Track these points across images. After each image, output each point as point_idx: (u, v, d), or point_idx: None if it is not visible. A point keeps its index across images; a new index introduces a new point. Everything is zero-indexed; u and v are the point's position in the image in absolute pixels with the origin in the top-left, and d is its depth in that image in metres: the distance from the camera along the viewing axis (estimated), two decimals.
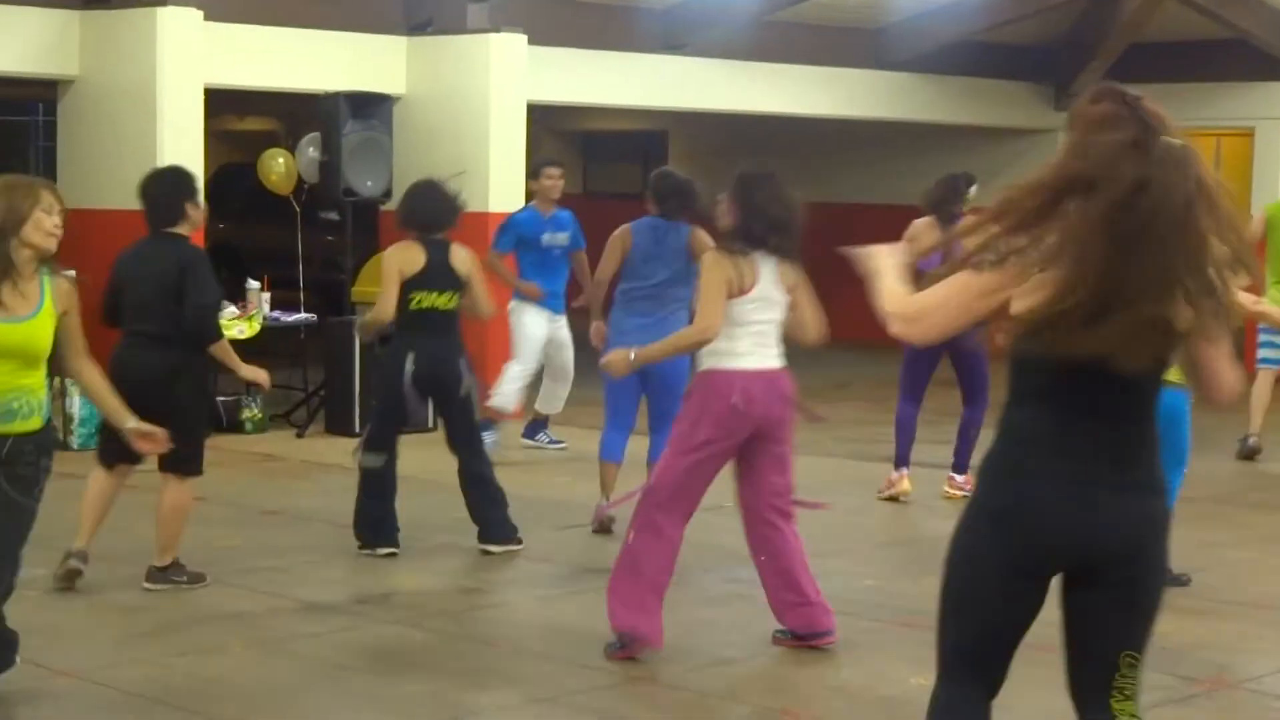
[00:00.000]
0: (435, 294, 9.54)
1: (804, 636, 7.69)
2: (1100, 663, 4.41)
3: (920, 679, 7.06)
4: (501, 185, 14.63)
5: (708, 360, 7.46)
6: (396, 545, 9.57)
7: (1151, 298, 4.08)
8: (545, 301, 12.47)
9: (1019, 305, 4.16)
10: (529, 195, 12.82)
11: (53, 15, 13.36)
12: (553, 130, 23.21)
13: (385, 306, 9.51)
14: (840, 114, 18.65)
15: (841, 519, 10.66)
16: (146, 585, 8.68)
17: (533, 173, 12.68)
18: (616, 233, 9.88)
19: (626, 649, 7.48)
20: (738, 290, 7.36)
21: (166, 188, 8.79)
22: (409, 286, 9.51)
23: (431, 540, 9.81)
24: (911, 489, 11.19)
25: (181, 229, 8.71)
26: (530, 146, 15.36)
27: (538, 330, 12.46)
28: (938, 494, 11.33)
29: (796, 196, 7.62)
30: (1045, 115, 19.99)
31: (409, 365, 9.45)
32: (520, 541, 9.73)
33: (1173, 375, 8.61)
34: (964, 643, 4.39)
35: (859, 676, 7.38)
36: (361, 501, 9.61)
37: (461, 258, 9.68)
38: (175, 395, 8.54)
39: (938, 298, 4.24)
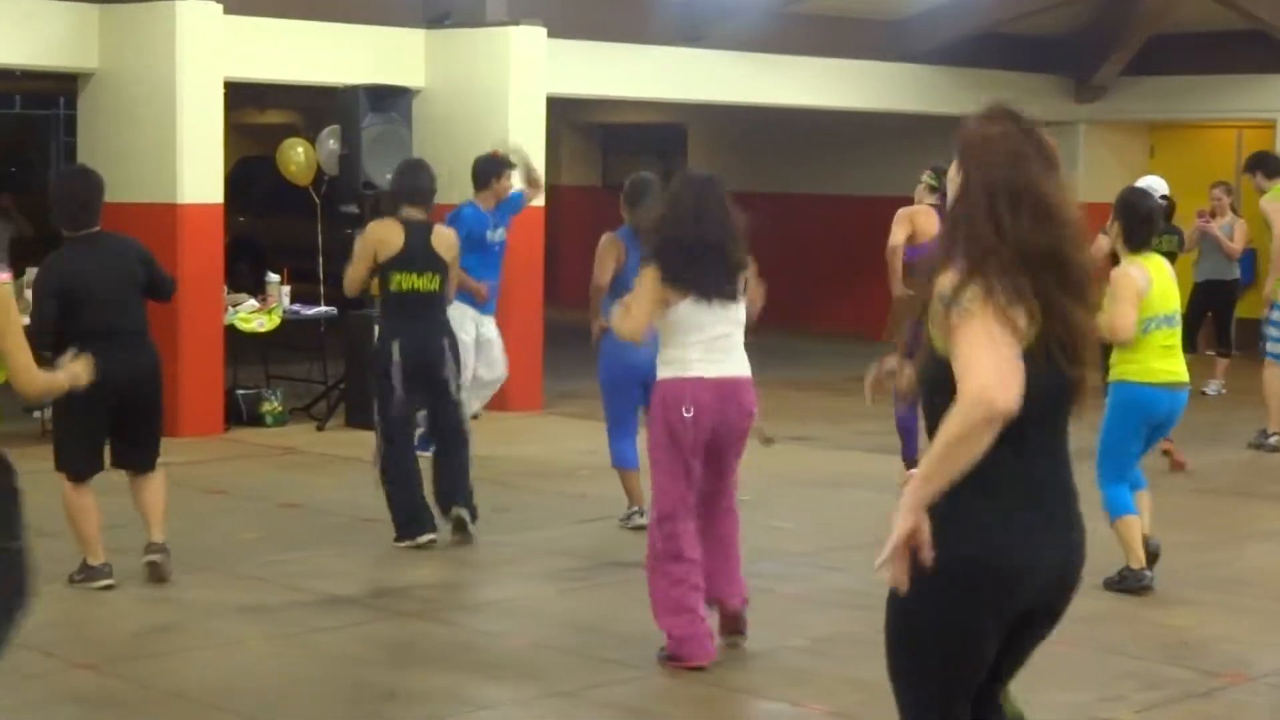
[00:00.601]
0: (415, 275, 9.54)
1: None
2: (1003, 676, 4.39)
3: None
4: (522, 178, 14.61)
5: (661, 370, 7.39)
6: (433, 531, 9.55)
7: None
8: (479, 304, 12.05)
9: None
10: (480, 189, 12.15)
11: (72, 9, 13.37)
12: (572, 123, 23.22)
13: (350, 281, 9.69)
14: (859, 106, 18.60)
15: (860, 513, 10.66)
16: (152, 559, 8.64)
17: (498, 173, 12.07)
18: (607, 240, 9.66)
19: (676, 659, 7.40)
20: (674, 298, 7.25)
21: (91, 188, 8.64)
22: (388, 267, 9.54)
23: (450, 534, 9.78)
24: None
25: (99, 227, 8.61)
26: (550, 139, 15.36)
27: (466, 337, 11.76)
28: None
29: (724, 210, 7.35)
30: (1066, 107, 19.95)
31: (395, 354, 9.47)
32: (475, 519, 9.73)
33: (1182, 375, 8.62)
34: (943, 701, 4.24)
35: (878, 671, 7.27)
36: (390, 497, 9.61)
37: (444, 241, 9.71)
38: (160, 388, 8.63)
39: (991, 357, 3.97)
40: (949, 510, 4.07)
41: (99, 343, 8.24)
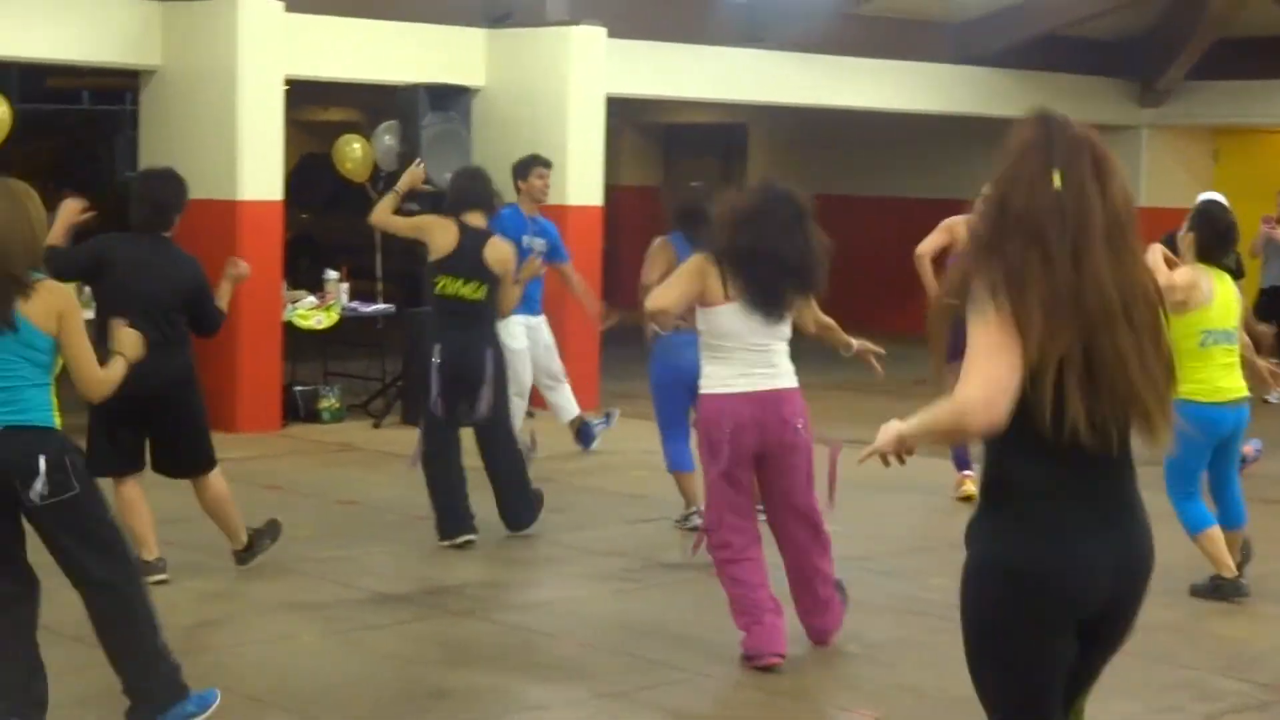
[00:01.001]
0: (460, 282, 9.49)
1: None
2: (1075, 688, 4.29)
3: None
4: (580, 178, 14.63)
5: (702, 384, 7.39)
6: (473, 531, 9.53)
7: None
8: (520, 307, 11.11)
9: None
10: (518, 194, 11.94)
11: (136, 6, 13.45)
12: (634, 123, 23.20)
13: (379, 210, 9.93)
14: (921, 109, 18.55)
15: (913, 518, 10.64)
16: (244, 567, 8.81)
17: (523, 172, 11.95)
18: (658, 243, 9.51)
19: (747, 657, 7.40)
20: (718, 298, 7.24)
21: (167, 190, 8.60)
22: (435, 269, 9.53)
23: (503, 532, 9.78)
24: (975, 492, 11.09)
25: (170, 233, 8.56)
26: (610, 139, 15.36)
27: (518, 343, 11.48)
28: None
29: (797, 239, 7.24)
30: (1130, 111, 19.82)
31: (435, 356, 9.47)
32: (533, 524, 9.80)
33: (1244, 390, 8.50)
34: (1015, 706, 4.17)
35: (930, 677, 7.32)
36: (432, 496, 9.62)
37: (498, 253, 9.59)
38: (197, 396, 8.58)
39: (985, 372, 3.94)
40: (996, 514, 4.09)
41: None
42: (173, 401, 8.42)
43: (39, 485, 5.86)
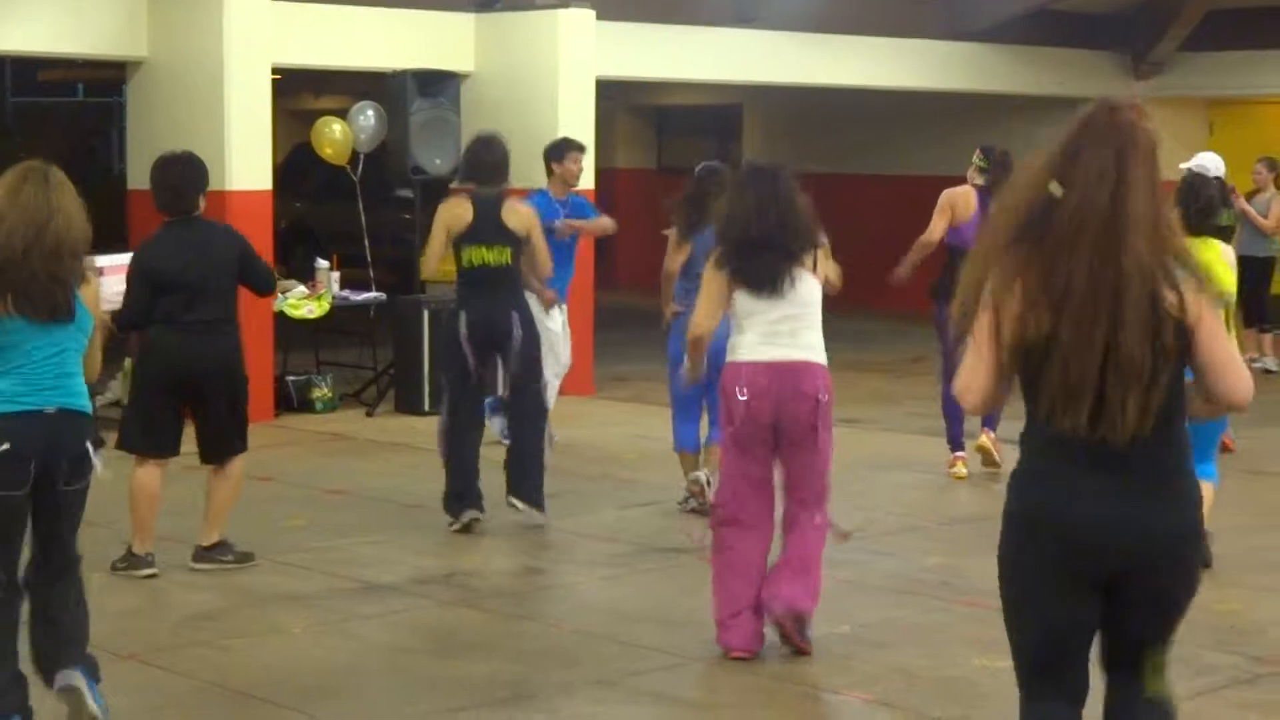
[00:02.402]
0: (484, 248, 9.48)
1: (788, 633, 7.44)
2: (1125, 651, 4.44)
3: (983, 660, 6.99)
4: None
5: (727, 354, 7.40)
6: (479, 510, 9.52)
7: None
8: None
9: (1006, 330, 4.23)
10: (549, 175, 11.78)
11: None
12: (627, 105, 23.15)
13: (427, 262, 9.73)
14: (916, 86, 18.45)
15: (907, 496, 10.59)
16: (195, 566, 8.66)
17: (557, 154, 11.78)
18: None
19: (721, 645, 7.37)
20: (737, 288, 7.31)
21: (184, 174, 8.63)
22: (459, 242, 9.52)
23: (496, 519, 9.75)
24: (967, 472, 11.04)
25: (198, 212, 8.59)
26: (600, 122, 15.30)
27: (553, 323, 11.33)
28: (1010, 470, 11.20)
29: (784, 198, 7.30)
30: (1123, 84, 19.73)
31: (462, 326, 9.44)
32: (545, 512, 9.65)
33: None
34: (1030, 655, 4.38)
35: (922, 658, 7.29)
36: (447, 471, 9.59)
37: (517, 214, 9.61)
38: (243, 376, 8.58)
39: (967, 364, 4.33)
40: (1015, 470, 4.39)
41: (172, 328, 8.31)
42: (223, 382, 8.46)
43: (90, 467, 6.04)
